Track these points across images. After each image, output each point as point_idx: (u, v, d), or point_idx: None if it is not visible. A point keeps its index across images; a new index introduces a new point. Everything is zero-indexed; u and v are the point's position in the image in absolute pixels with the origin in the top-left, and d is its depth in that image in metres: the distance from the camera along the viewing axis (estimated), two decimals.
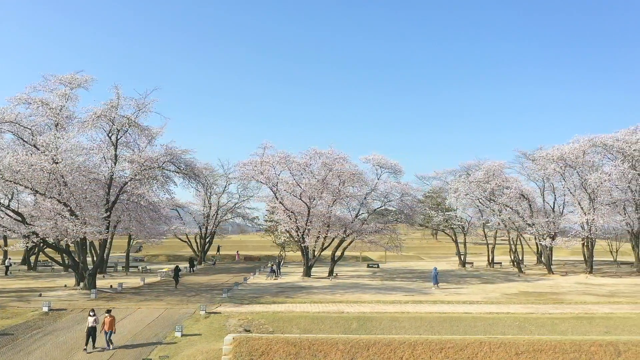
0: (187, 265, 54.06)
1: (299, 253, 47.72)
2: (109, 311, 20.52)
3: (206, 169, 60.00)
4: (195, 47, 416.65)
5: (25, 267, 51.79)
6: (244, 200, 61.96)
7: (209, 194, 61.62)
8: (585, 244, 50.41)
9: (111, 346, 19.78)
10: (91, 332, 19.72)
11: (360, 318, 25.33)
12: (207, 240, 63.26)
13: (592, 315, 26.25)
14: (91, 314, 20.10)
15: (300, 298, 31.75)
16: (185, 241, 62.85)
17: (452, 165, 70.36)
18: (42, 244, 34.79)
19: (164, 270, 47.45)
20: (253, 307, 27.79)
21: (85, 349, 19.44)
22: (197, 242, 62.89)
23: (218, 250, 75.39)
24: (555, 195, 53.08)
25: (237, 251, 72.29)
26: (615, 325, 24.57)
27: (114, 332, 20.21)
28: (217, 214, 61.69)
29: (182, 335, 22.00)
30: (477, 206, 54.37)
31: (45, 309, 26.11)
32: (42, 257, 51.83)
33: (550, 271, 50.04)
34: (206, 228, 61.83)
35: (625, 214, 49.28)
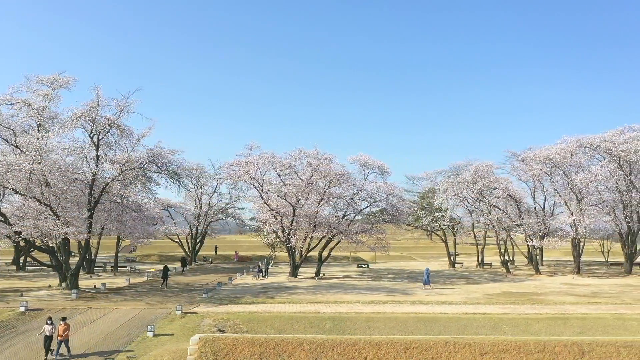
0: (178, 265, 54.36)
1: None
2: (64, 319, 19.78)
3: (197, 169, 60.23)
4: (196, 47, 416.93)
5: (15, 267, 51.95)
6: (235, 201, 62.10)
7: (199, 194, 61.73)
8: (573, 244, 50.39)
9: (68, 354, 19.14)
10: (47, 341, 19.12)
11: (336, 318, 25.38)
12: (198, 240, 63.36)
13: (567, 315, 26.27)
14: (48, 322, 19.51)
15: (280, 298, 31.83)
16: (176, 241, 62.93)
17: (446, 166, 70.22)
18: (24, 244, 34.85)
19: (150, 270, 47.58)
20: (231, 308, 27.87)
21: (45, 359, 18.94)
22: (188, 243, 63.02)
23: (216, 251, 75.54)
24: (545, 196, 53.10)
25: (236, 251, 72.49)
26: (589, 325, 24.60)
27: (72, 339, 19.48)
28: (207, 214, 61.77)
29: (154, 335, 22.10)
30: (466, 206, 54.50)
31: (22, 309, 26.21)
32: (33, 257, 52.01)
33: (537, 272, 50.08)
34: (197, 228, 61.93)
35: (614, 215, 49.27)
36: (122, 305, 28.83)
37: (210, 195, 62.12)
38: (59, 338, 19.09)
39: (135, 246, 73.10)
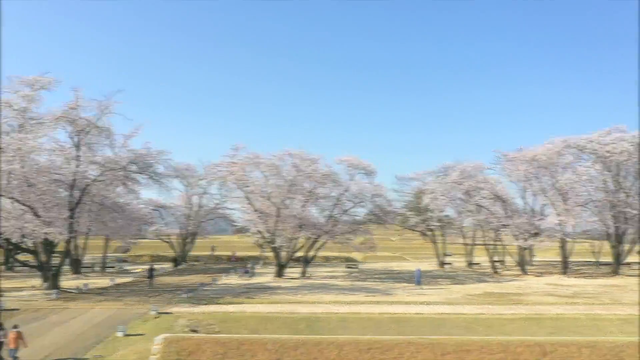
0: (168, 265, 54.76)
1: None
2: (15, 327, 18.70)
3: (187, 169, 60.41)
4: (196, 47, 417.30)
5: (3, 268, 52.11)
6: (225, 201, 62.13)
7: (189, 194, 61.83)
8: (561, 245, 50.43)
9: None
10: None
11: (310, 319, 25.43)
12: (189, 240, 63.53)
13: (542, 316, 26.32)
14: None
15: (260, 298, 31.98)
16: (167, 242, 63.10)
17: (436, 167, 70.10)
18: (9, 245, 35.03)
19: (137, 271, 47.78)
20: (207, 308, 27.98)
21: None
22: (179, 243, 63.23)
23: (213, 251, 75.56)
24: (535, 196, 53.10)
25: (234, 252, 72.55)
26: (563, 326, 24.62)
27: (26, 347, 18.40)
28: (197, 215, 61.83)
29: (125, 335, 22.16)
30: (455, 207, 54.58)
31: None
32: (21, 257, 52.12)
33: (524, 272, 50.12)
34: (187, 229, 62.06)
35: (601, 215, 49.24)
36: (99, 305, 28.99)
37: (200, 195, 62.23)
38: (10, 347, 18.16)
39: (129, 247, 73.26)
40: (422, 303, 30.60)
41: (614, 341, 19.44)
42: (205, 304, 29.38)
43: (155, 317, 25.44)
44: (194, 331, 23.81)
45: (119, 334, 22.17)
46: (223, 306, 28.60)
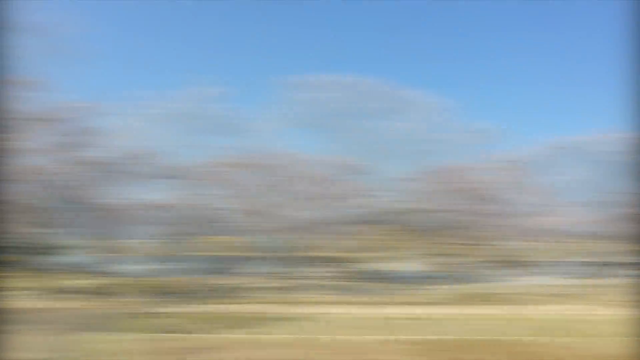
0: (164, 265, 54.69)
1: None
2: None
3: (180, 169, 60.38)
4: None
5: None
6: (217, 201, 62.03)
7: (184, 194, 61.83)
8: (553, 244, 50.42)
9: None
10: None
11: (293, 318, 25.48)
12: (181, 240, 63.56)
13: (524, 315, 26.37)
14: None
15: (249, 298, 32.29)
16: (159, 242, 63.18)
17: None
18: None
19: (127, 270, 48.03)
20: (196, 307, 28.19)
21: None
22: (170, 243, 63.29)
23: (209, 251, 75.56)
24: (528, 196, 52.97)
25: (227, 252, 72.57)
26: (542, 326, 24.50)
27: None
28: (188, 215, 61.82)
29: (106, 334, 22.29)
30: (447, 206, 54.46)
31: None
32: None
33: (519, 272, 50.04)
34: (179, 229, 62.09)
35: (595, 215, 49.21)
36: (86, 304, 29.14)
37: (193, 195, 62.12)
38: None
39: (128, 247, 73.22)
40: (409, 303, 30.64)
41: (600, 341, 19.46)
42: (195, 304, 29.57)
43: (140, 317, 25.55)
44: (174, 331, 23.98)
45: (100, 333, 22.27)
46: (212, 306, 28.78)
